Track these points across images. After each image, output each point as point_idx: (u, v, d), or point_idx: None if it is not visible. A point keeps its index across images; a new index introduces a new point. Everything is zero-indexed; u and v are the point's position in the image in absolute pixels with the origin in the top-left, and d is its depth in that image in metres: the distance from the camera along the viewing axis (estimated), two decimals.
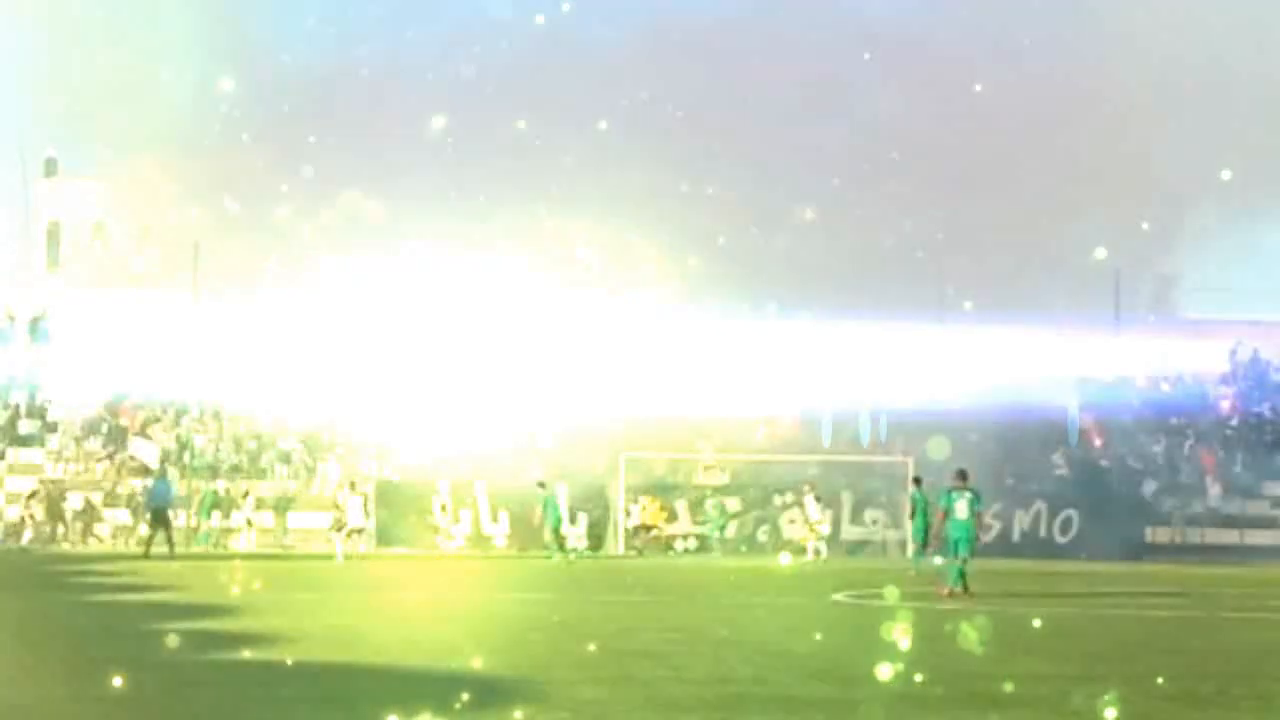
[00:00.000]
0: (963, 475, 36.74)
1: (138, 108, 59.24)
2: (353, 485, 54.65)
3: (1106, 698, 16.09)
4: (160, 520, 49.65)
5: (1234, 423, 70.06)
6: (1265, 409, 71.15)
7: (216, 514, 59.42)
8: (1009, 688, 17.09)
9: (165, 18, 60.25)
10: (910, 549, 52.87)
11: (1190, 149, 63.19)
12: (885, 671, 17.48)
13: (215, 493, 59.93)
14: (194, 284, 65.00)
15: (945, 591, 34.08)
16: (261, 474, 62.75)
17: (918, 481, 49.51)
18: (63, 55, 59.16)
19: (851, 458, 59.91)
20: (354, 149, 59.00)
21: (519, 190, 58.61)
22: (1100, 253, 67.36)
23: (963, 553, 35.09)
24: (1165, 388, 71.46)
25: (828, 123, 61.56)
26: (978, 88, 60.52)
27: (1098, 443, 67.00)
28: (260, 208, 59.30)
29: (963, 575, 34.66)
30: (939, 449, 62.93)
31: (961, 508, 35.58)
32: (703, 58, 61.12)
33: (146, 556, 47.45)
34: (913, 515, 48.51)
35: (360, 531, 53.60)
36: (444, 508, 59.28)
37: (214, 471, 61.95)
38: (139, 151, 60.72)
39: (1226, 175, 64.19)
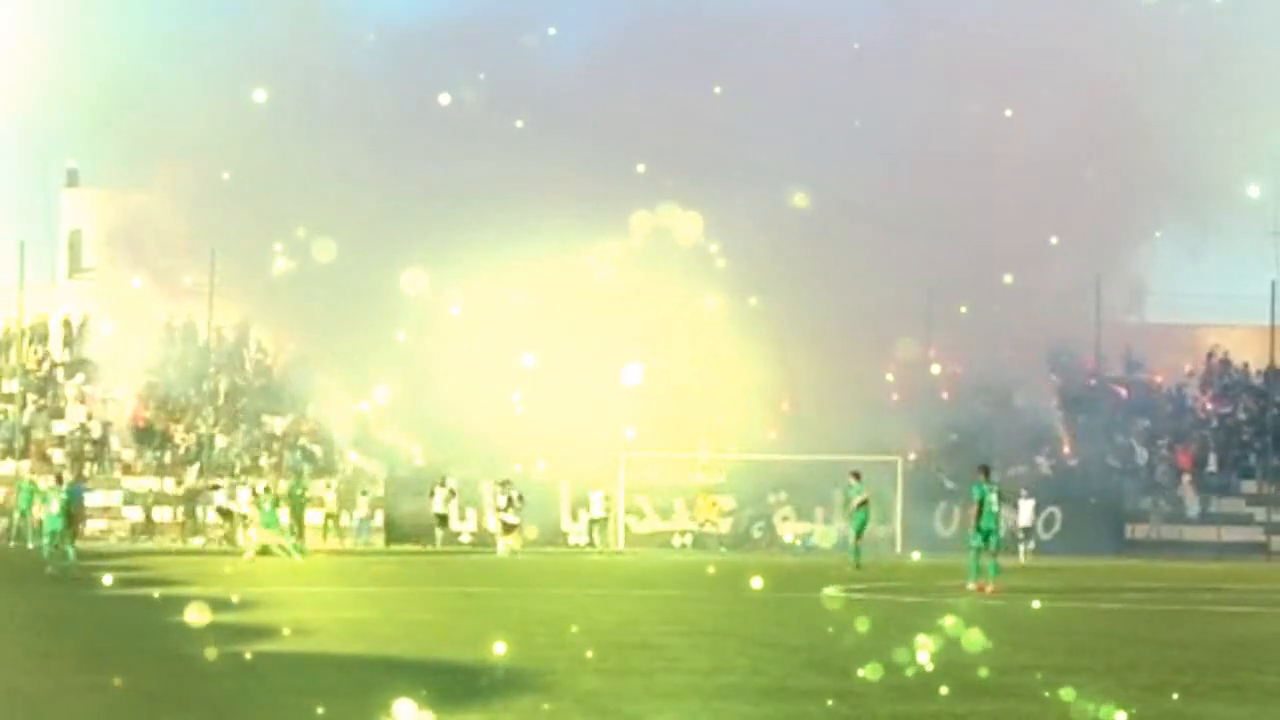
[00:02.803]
0: (986, 471, 36.28)
1: (158, 117, 59.10)
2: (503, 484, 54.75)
3: (1089, 688, 16.08)
4: (70, 520, 50.57)
5: (1211, 424, 70.14)
6: (1240, 411, 71.24)
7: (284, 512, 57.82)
8: (995, 678, 17.07)
9: (186, 25, 60.17)
10: (895, 546, 52.83)
11: (1173, 155, 63.00)
12: (876, 662, 17.45)
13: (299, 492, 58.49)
14: (210, 288, 65.00)
15: (990, 589, 33.29)
16: (285, 474, 62.55)
17: (857, 476, 47.96)
18: (85, 65, 59.01)
19: (842, 457, 59.81)
20: (367, 151, 58.78)
21: (520, 189, 58.32)
22: (1136, 317, 67.82)
23: (994, 545, 34.71)
24: (1144, 390, 71.51)
25: (829, 120, 61.29)
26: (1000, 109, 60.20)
27: (1067, 448, 67.05)
28: (276, 212, 59.03)
29: (995, 569, 34.32)
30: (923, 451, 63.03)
31: (994, 500, 35.06)
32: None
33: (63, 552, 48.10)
34: (856, 507, 46.90)
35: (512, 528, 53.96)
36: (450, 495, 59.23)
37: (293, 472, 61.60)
38: (160, 160, 60.54)
39: (1254, 192, 64.10)
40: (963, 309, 62.30)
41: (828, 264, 59.40)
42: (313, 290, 59.13)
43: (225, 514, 58.19)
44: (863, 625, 23.64)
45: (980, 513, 34.86)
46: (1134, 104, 61.95)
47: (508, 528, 54.40)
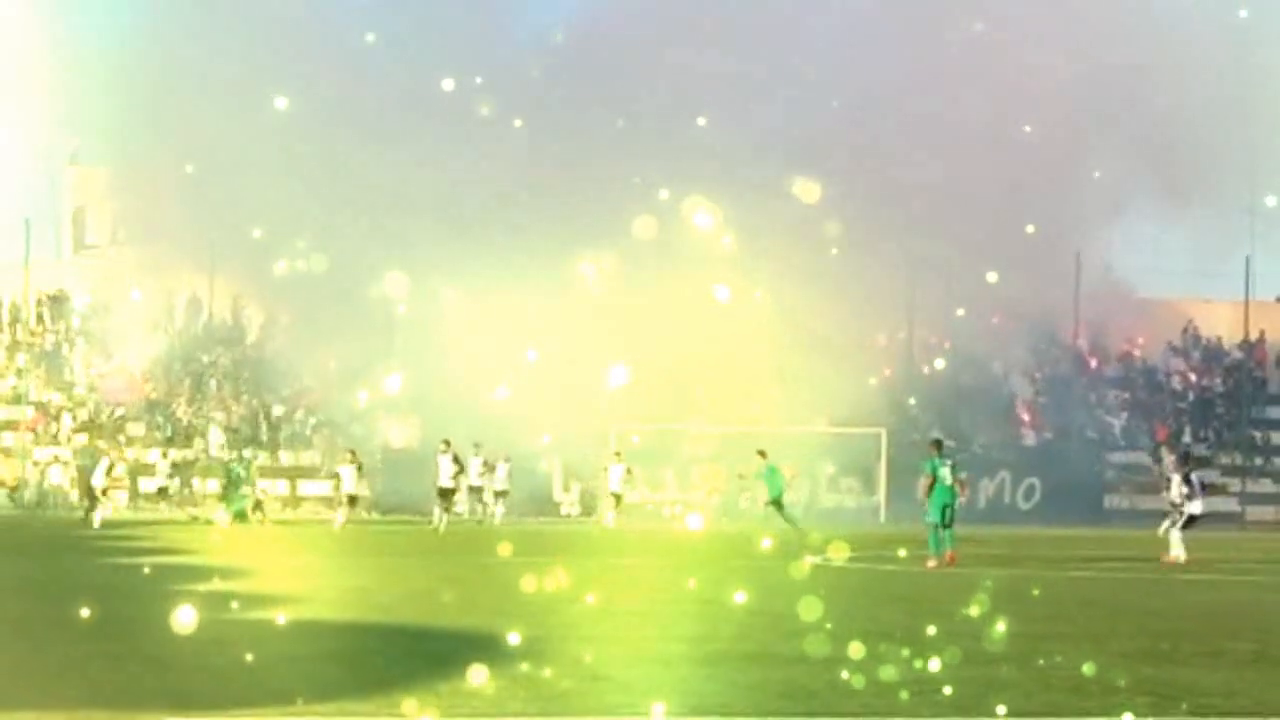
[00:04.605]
0: (938, 445, 36.01)
1: (160, 96, 59.06)
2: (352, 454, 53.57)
3: (1068, 654, 16.07)
4: (88, 490, 51.43)
5: (1188, 397, 70.25)
6: (1216, 384, 71.35)
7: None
8: (977, 645, 17.05)
9: (189, 7, 60.13)
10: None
11: (1148, 135, 63.01)
12: (859, 629, 17.43)
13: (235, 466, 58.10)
14: (211, 265, 65.04)
15: (933, 564, 33.01)
16: (278, 446, 62.43)
17: (763, 454, 46.17)
18: (89, 45, 59.05)
19: (830, 430, 59.88)
20: (369, 147, 58.72)
21: (518, 182, 58.34)
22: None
23: (948, 518, 34.37)
24: (1122, 364, 71.65)
25: (825, 106, 61.27)
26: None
27: (1026, 417, 67.08)
28: (275, 200, 58.95)
29: (951, 539, 34.11)
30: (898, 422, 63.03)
31: (946, 474, 34.81)
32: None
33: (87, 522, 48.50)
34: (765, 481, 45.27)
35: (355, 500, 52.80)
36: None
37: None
38: (162, 138, 60.47)
39: (1271, 202, 64.10)
40: (959, 310, 62.33)
41: (813, 240, 59.39)
42: (309, 281, 59.11)
43: (162, 491, 58.08)
44: (846, 593, 23.64)
45: (933, 487, 34.65)
46: (1115, 81, 61.92)
47: (618, 499, 54.06)
